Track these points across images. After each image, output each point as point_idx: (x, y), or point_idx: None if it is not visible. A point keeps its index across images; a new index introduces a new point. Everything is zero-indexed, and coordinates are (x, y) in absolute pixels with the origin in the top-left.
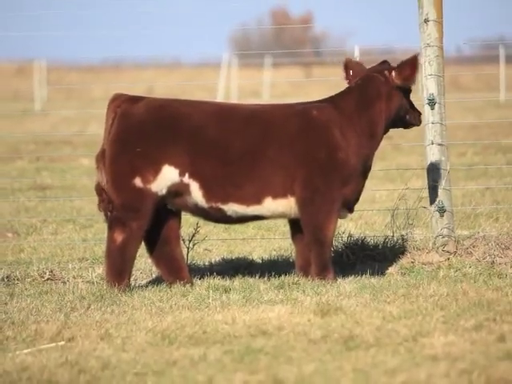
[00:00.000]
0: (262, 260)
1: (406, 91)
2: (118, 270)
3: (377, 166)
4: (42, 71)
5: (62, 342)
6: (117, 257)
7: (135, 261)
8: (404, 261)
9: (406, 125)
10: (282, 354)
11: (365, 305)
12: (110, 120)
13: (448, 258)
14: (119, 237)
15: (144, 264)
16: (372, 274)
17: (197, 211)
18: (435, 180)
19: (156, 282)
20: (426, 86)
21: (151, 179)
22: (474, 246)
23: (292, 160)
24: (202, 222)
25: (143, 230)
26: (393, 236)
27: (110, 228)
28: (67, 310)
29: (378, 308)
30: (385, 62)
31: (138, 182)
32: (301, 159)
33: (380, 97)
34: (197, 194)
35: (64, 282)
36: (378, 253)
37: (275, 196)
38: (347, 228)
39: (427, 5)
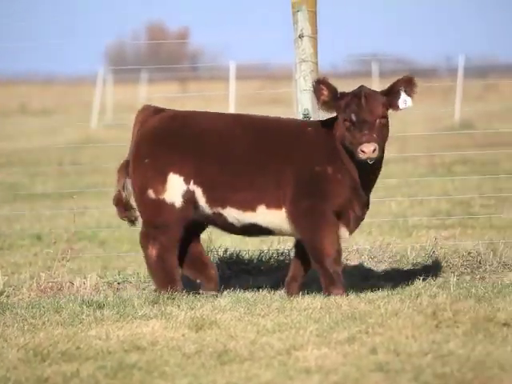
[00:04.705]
0: (137, 275)
1: (352, 121)
2: (165, 281)
3: None
4: None
5: None
6: (158, 270)
7: (9, 278)
8: (279, 274)
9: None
10: (155, 369)
11: (239, 319)
12: (135, 132)
13: None
14: (153, 251)
15: (17, 281)
16: (247, 288)
17: (207, 220)
18: None
19: (29, 298)
20: (300, 100)
21: (161, 189)
22: (347, 260)
23: (283, 173)
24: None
25: (175, 241)
26: (268, 250)
27: (142, 245)
28: None
29: (252, 322)
30: (361, 87)
31: (151, 193)
32: (290, 174)
33: (337, 122)
34: (201, 199)
35: None
36: (253, 267)
37: (268, 205)
38: (223, 242)
39: (302, 20)
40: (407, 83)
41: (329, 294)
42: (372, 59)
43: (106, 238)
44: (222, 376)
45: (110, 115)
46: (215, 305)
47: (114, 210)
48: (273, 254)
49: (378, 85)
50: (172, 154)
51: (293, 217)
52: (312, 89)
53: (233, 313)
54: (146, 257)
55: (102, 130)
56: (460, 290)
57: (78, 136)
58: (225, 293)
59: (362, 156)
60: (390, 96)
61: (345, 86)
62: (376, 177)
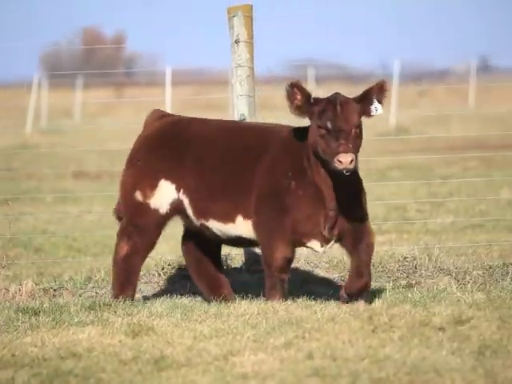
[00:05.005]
0: (73, 281)
1: (327, 128)
2: (122, 280)
3: None
4: None
5: None
6: (121, 267)
7: None
8: None
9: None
10: (92, 375)
11: (176, 324)
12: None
13: (259, 277)
14: (124, 248)
15: None
16: (184, 294)
17: (201, 231)
18: None
19: None
20: (237, 106)
21: (149, 193)
22: None
23: (251, 182)
24: None
25: (148, 245)
26: None
27: (117, 238)
28: None
29: (189, 327)
30: (337, 94)
31: (138, 195)
32: (256, 185)
33: (311, 128)
34: (189, 210)
35: None
36: (189, 273)
37: (245, 216)
38: (160, 249)
39: (238, 25)
40: (380, 90)
41: (268, 299)
42: (308, 64)
43: (41, 244)
44: (158, 382)
45: (45, 120)
46: (152, 311)
47: (48, 215)
48: None
49: (314, 90)
50: (166, 161)
51: (254, 226)
52: (285, 93)
53: (170, 319)
54: (115, 250)
55: (37, 135)
56: (396, 295)
57: (12, 141)
58: (161, 299)
59: (338, 166)
60: (364, 103)
61: (282, 91)
62: (353, 188)
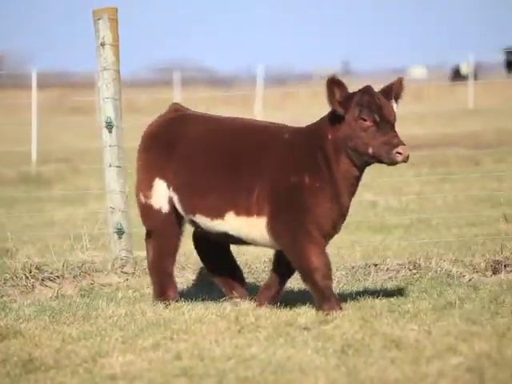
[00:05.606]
0: None
1: (375, 121)
2: (157, 283)
3: (56, 188)
4: None
5: None
6: (153, 271)
7: None
8: (83, 283)
9: (375, 160)
10: None
11: (44, 327)
12: None
13: (127, 279)
14: (150, 252)
15: None
16: (51, 297)
17: (197, 227)
18: (114, 202)
19: None
20: (103, 109)
21: (149, 194)
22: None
23: (256, 181)
24: None
25: (170, 247)
26: (72, 258)
27: (146, 243)
28: None
29: (57, 330)
30: (369, 87)
31: (142, 197)
32: (263, 185)
33: (332, 125)
34: (178, 206)
35: None
36: (57, 275)
37: (237, 213)
38: (25, 251)
39: (103, 28)
40: (399, 87)
41: (322, 311)
42: (173, 68)
43: None
44: None
45: None
46: (20, 314)
47: None
48: (78, 262)
49: (179, 93)
50: (160, 159)
51: (272, 231)
52: (325, 89)
53: (38, 322)
54: (147, 255)
55: None
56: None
57: None
58: (29, 302)
59: (397, 158)
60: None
61: (147, 94)
62: (357, 187)
